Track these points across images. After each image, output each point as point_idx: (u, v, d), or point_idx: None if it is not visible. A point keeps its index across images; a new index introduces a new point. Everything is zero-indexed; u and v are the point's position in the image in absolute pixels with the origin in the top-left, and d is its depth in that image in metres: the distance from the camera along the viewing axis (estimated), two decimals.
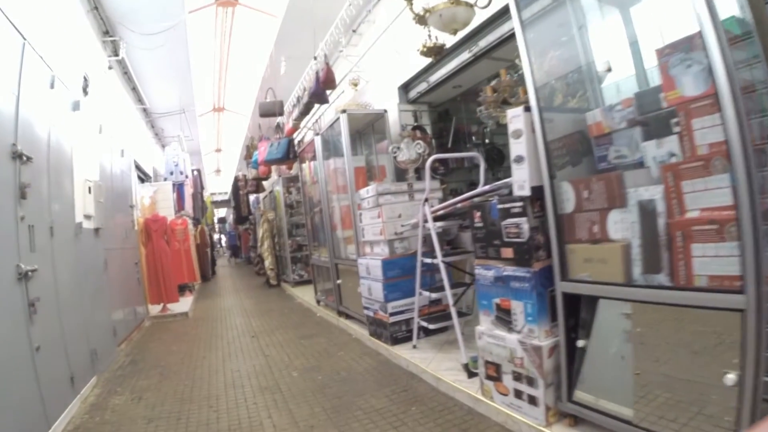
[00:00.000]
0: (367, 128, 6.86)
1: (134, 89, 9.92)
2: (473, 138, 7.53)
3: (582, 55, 3.07)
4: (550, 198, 2.83)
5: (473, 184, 7.53)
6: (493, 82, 3.73)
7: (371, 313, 5.25)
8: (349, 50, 7.44)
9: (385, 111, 6.16)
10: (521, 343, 3.01)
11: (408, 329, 4.95)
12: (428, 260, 4.37)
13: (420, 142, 5.37)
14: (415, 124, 6.27)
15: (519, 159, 2.95)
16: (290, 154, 7.78)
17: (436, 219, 4.21)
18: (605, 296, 2.64)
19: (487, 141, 7.72)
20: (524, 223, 2.95)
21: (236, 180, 16.06)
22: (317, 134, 6.88)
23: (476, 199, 3.49)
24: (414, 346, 4.73)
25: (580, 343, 2.80)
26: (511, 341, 3.08)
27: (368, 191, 5.15)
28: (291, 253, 11.50)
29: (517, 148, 2.98)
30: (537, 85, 2.91)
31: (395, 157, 5.52)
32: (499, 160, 7.79)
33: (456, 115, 7.16)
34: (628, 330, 2.53)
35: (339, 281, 6.61)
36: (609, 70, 2.82)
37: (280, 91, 8.75)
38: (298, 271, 11.41)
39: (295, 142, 8.47)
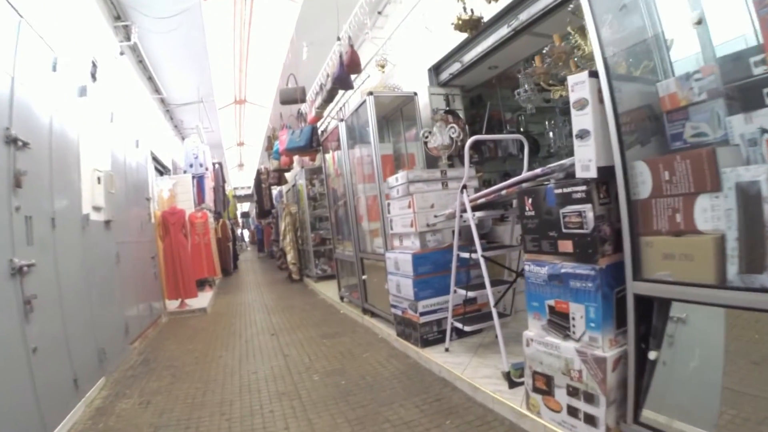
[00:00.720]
0: (394, 113, 6.42)
1: (150, 79, 9.59)
2: (507, 126, 7.06)
3: (650, 14, 2.60)
4: (622, 180, 2.38)
5: (507, 175, 7.14)
6: (545, 49, 3.25)
7: (399, 312, 4.81)
8: (375, 32, 6.99)
9: (415, 94, 5.70)
10: (580, 353, 2.56)
11: (440, 330, 4.52)
12: (465, 255, 3.91)
13: (454, 126, 4.93)
14: (447, 108, 5.81)
15: (583, 134, 2.48)
16: (313, 143, 7.36)
17: (475, 209, 3.74)
18: (691, 300, 2.18)
19: (522, 129, 7.25)
20: (588, 211, 2.49)
21: (258, 173, 15.71)
22: (341, 120, 6.46)
23: (525, 185, 3.02)
24: (446, 349, 4.29)
25: (652, 354, 2.37)
26: (568, 350, 2.64)
27: (398, 179, 4.71)
28: (314, 247, 11.13)
29: (580, 120, 2.51)
30: (605, 45, 2.44)
31: (426, 143, 5.09)
32: (534, 150, 7.31)
33: (490, 101, 6.68)
34: (716, 340, 2.10)
35: (364, 277, 6.18)
36: (699, 22, 2.33)
37: (303, 79, 8.32)
38: (321, 265, 11.02)
39: (319, 132, 8.05)
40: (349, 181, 6.38)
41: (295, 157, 10.51)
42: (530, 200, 2.86)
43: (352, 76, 6.72)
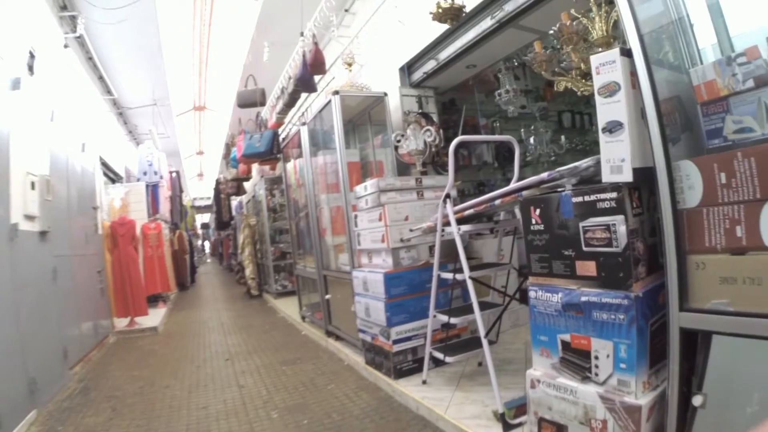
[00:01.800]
0: (362, 117, 5.87)
1: (101, 78, 8.90)
2: (482, 131, 6.60)
3: None
4: (666, 185, 1.88)
5: (482, 185, 6.67)
6: (552, 30, 2.74)
7: (369, 338, 4.25)
8: (341, 31, 6.46)
9: (385, 94, 5.16)
10: (605, 399, 2.06)
11: (415, 359, 3.97)
12: (448, 275, 3.39)
13: (429, 129, 4.43)
14: (420, 111, 5.29)
15: (613, 127, 1.98)
16: (274, 149, 6.77)
17: (460, 222, 3.21)
18: (763, 336, 1.68)
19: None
20: (620, 224, 1.99)
21: (217, 183, 14.99)
22: (303, 124, 5.90)
23: (525, 193, 2.50)
24: (424, 382, 3.72)
25: (698, 400, 1.87)
26: (588, 395, 2.13)
27: (367, 188, 4.16)
28: (274, 261, 10.47)
29: (609, 110, 2.01)
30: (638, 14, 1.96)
31: (397, 148, 4.58)
32: (509, 157, 6.88)
33: (465, 104, 6.19)
34: None
35: (328, 296, 5.59)
36: None
37: (263, 82, 7.73)
38: (282, 281, 10.40)
39: (280, 138, 7.46)
40: (311, 190, 5.81)
41: (254, 166, 9.89)
42: (538, 211, 2.35)
43: (316, 78, 6.17)
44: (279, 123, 7.84)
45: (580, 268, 2.18)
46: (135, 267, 7.87)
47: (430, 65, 5.00)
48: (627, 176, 1.95)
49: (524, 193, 2.50)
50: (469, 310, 3.30)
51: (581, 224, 2.15)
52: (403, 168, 5.07)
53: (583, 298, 2.15)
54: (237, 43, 8.78)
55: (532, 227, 2.39)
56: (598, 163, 2.14)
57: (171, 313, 9.92)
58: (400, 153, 4.90)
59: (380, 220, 3.96)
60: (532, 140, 6.86)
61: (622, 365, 2.02)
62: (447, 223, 3.28)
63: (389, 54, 5.55)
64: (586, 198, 2.12)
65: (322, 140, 5.66)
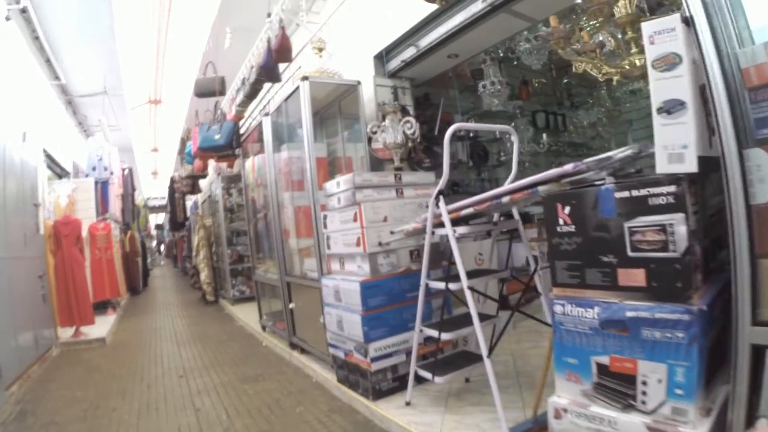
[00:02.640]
0: (330, 109, 5.40)
1: (48, 62, 8.21)
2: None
3: None
4: (738, 176, 1.51)
5: (456, 185, 6.30)
6: None
7: (341, 354, 3.80)
8: (310, 17, 5.99)
9: (359, 82, 4.72)
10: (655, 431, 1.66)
11: (396, 377, 3.55)
12: (438, 284, 2.98)
13: (410, 120, 4.02)
14: (395, 103, 4.87)
15: (673, 107, 1.60)
16: (233, 143, 6.25)
17: (455, 223, 2.81)
18: None
19: (470, 134, 6.46)
20: (679, 224, 1.61)
21: (172, 181, 14.22)
22: (266, 115, 5.43)
23: (542, 189, 2.10)
24: (407, 403, 3.29)
25: (764, 423, 1.53)
26: (632, 427, 1.76)
27: (340, 184, 3.71)
28: (231, 265, 9.90)
29: (667, 87, 1.64)
30: None
31: (371, 141, 4.17)
32: (483, 158, 6.55)
33: (443, 99, 5.80)
34: None
35: (292, 306, 5.11)
36: None
37: (223, 71, 7.19)
38: (239, 286, 9.85)
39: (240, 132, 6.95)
40: (273, 189, 5.33)
41: (210, 163, 9.33)
42: (567, 209, 1.95)
43: (281, 67, 5.69)
44: (239, 116, 7.29)
45: (623, 277, 1.79)
46: (80, 271, 7.24)
47: (409, 53, 4.59)
48: (690, 166, 1.58)
49: (540, 188, 2.11)
50: (461, 323, 2.93)
51: (627, 225, 1.76)
52: (376, 164, 4.63)
53: (629, 314, 1.76)
54: (197, 29, 8.24)
55: (558, 228, 1.98)
56: (636, 154, 1.76)
57: (121, 320, 9.27)
58: (373, 147, 4.48)
59: (355, 220, 3.52)
60: (512, 138, 6.56)
61: (678, 391, 1.65)
62: (438, 224, 2.87)
63: (364, 40, 5.09)
64: (635, 193, 1.73)
65: (287, 133, 5.20)
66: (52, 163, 8.89)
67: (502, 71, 6.17)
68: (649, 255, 1.71)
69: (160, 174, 22.26)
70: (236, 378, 4.80)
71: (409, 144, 4.23)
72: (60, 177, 9.68)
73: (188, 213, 15.51)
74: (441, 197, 2.81)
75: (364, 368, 3.49)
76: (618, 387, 1.83)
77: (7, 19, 6.02)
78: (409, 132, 4.02)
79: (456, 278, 2.79)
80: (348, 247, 3.67)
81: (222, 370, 5.15)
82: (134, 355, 6.36)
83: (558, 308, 2.00)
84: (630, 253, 1.77)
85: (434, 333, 3.01)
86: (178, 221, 15.28)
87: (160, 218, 34.62)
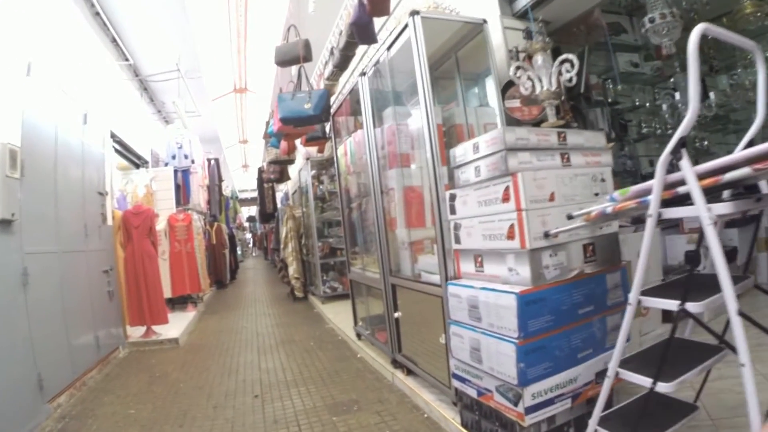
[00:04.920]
0: (444, 64, 4.17)
1: (114, 42, 7.47)
2: (593, 94, 4.95)
3: None
4: None
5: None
6: None
7: (472, 392, 2.63)
8: None
9: (484, 21, 3.51)
10: None
11: (552, 429, 2.36)
12: (662, 303, 1.79)
13: (571, 58, 2.78)
14: (545, 38, 3.60)
15: None
16: (324, 116, 5.15)
17: (711, 192, 1.59)
18: None
19: (609, 100, 5.25)
20: None
21: (259, 171, 13.49)
22: (363, 74, 4.31)
23: None
24: None
25: None
26: None
27: (479, 147, 2.52)
28: (322, 259, 8.84)
29: None
30: None
31: (505, 95, 2.98)
32: (622, 131, 5.30)
33: (586, 45, 4.47)
34: None
35: (397, 315, 3.96)
36: None
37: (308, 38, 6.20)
38: (331, 282, 8.80)
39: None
40: (374, 167, 4.20)
41: (299, 147, 8.35)
42: None
43: (377, 25, 4.56)
44: (330, 93, 6.25)
45: None
46: (152, 265, 6.43)
47: None
48: None
49: None
50: (686, 361, 1.72)
51: None
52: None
53: None
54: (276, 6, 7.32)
55: None
56: None
57: (201, 318, 8.51)
58: (508, 106, 3.30)
59: (506, 200, 2.32)
60: (665, 107, 5.27)
61: None
62: (670, 199, 1.66)
63: None
64: None
65: (392, 94, 4.05)
66: (126, 150, 8.24)
67: (634, 28, 5.26)
68: None
69: (251, 166, 21.90)
70: (324, 404, 3.76)
71: (562, 96, 3.00)
72: (138, 166, 9.01)
73: (279, 204, 14.75)
74: (684, 152, 1.58)
75: (511, 419, 2.32)
76: None
77: None
78: (566, 77, 2.79)
79: (696, 292, 1.58)
80: (491, 240, 2.47)
81: (307, 391, 4.14)
82: (207, 361, 5.48)
83: None
84: None
85: (642, 380, 1.80)
86: (267, 212, 14.61)
87: (253, 211, 34.67)
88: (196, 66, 8.98)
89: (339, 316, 6.90)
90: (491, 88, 3.64)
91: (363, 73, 4.28)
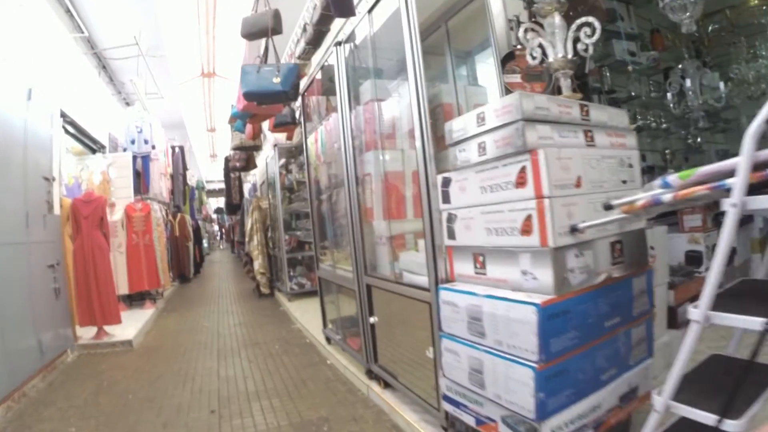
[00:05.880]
0: (432, 37, 3.65)
1: (68, 12, 6.82)
2: (590, 78, 4.63)
3: None
4: None
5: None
6: None
7: (470, 419, 2.14)
8: None
9: None
10: None
11: None
12: (736, 320, 1.33)
13: (593, 22, 2.32)
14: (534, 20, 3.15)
15: None
16: (293, 93, 4.62)
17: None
18: None
19: (606, 89, 4.94)
20: None
21: (226, 160, 12.84)
22: (338, 44, 3.81)
23: None
24: None
25: None
26: None
27: (485, 118, 2.04)
28: (289, 253, 8.29)
29: None
30: None
31: (505, 67, 2.54)
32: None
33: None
34: None
35: (373, 320, 3.46)
36: None
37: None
38: (298, 278, 8.25)
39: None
40: (348, 147, 3.68)
41: (267, 133, 7.79)
42: None
43: None
44: (301, 74, 5.71)
45: None
46: (103, 259, 5.82)
47: None
48: None
49: None
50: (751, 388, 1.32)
51: None
52: None
53: None
54: None
55: None
56: None
57: (159, 316, 7.88)
58: (508, 81, 2.83)
59: (521, 185, 1.83)
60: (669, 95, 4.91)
61: None
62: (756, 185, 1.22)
63: None
64: None
65: (372, 66, 3.55)
66: (80, 133, 7.53)
67: (630, 17, 5.02)
68: None
69: (219, 156, 21.16)
70: (290, 422, 3.27)
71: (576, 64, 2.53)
72: (94, 151, 8.33)
73: (247, 196, 14.13)
74: None
75: None
76: None
77: None
78: (586, 42, 2.32)
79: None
80: (498, 235, 1.98)
81: (270, 406, 3.63)
82: (161, 367, 4.93)
83: None
84: None
85: (705, 416, 1.38)
86: (233, 203, 14.00)
87: (221, 202, 33.95)
88: (159, 44, 8.33)
89: (306, 315, 6.40)
90: (484, 63, 3.19)
91: (338, 43, 3.78)
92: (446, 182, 2.27)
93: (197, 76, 11.53)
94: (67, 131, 6.89)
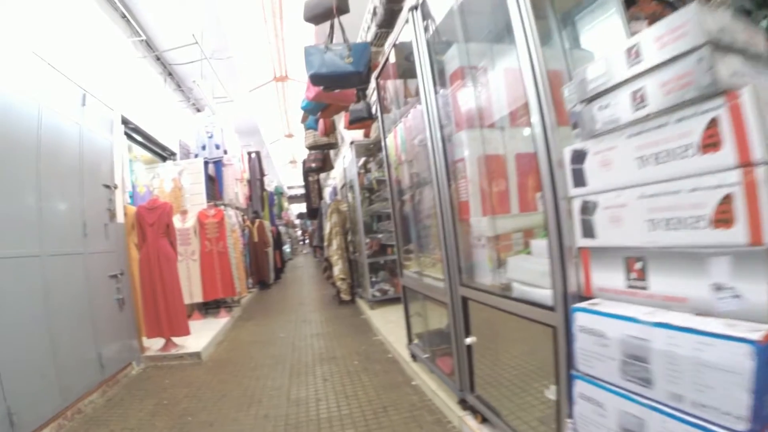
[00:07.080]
0: None
1: (124, 18, 6.53)
2: None
3: None
4: None
5: None
6: None
7: None
8: None
9: None
10: None
11: None
12: None
13: None
14: None
15: None
16: (366, 75, 4.08)
17: None
18: None
19: None
20: None
21: (304, 164, 12.50)
22: (414, 9, 3.20)
23: None
24: None
25: None
26: None
27: (641, 49, 1.37)
28: (370, 257, 7.69)
29: None
30: None
31: None
32: None
33: None
34: None
35: (470, 340, 2.81)
36: None
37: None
38: (380, 284, 7.64)
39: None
40: (435, 127, 3.06)
41: (342, 131, 7.29)
42: None
43: None
44: (374, 64, 5.16)
45: None
46: (170, 268, 5.46)
47: None
48: None
49: None
50: None
51: None
52: None
53: None
54: None
55: None
56: None
57: (233, 325, 7.52)
58: (633, 30, 2.15)
59: (711, 147, 1.15)
60: None
61: None
62: None
63: None
64: None
65: (461, 31, 2.93)
66: (148, 141, 7.30)
67: None
68: None
69: (299, 162, 21.18)
70: None
71: None
72: (164, 159, 8.12)
73: (327, 200, 13.76)
74: None
75: None
76: None
77: None
78: None
79: None
80: (669, 228, 1.31)
81: None
82: (227, 384, 4.51)
83: None
84: None
85: None
86: (313, 207, 13.64)
87: (303, 208, 34.31)
88: (224, 46, 7.98)
89: (389, 325, 5.84)
90: (587, 25, 2.55)
91: (414, 7, 3.17)
92: (579, 156, 1.61)
93: (269, 80, 11.30)
94: (133, 139, 6.67)
